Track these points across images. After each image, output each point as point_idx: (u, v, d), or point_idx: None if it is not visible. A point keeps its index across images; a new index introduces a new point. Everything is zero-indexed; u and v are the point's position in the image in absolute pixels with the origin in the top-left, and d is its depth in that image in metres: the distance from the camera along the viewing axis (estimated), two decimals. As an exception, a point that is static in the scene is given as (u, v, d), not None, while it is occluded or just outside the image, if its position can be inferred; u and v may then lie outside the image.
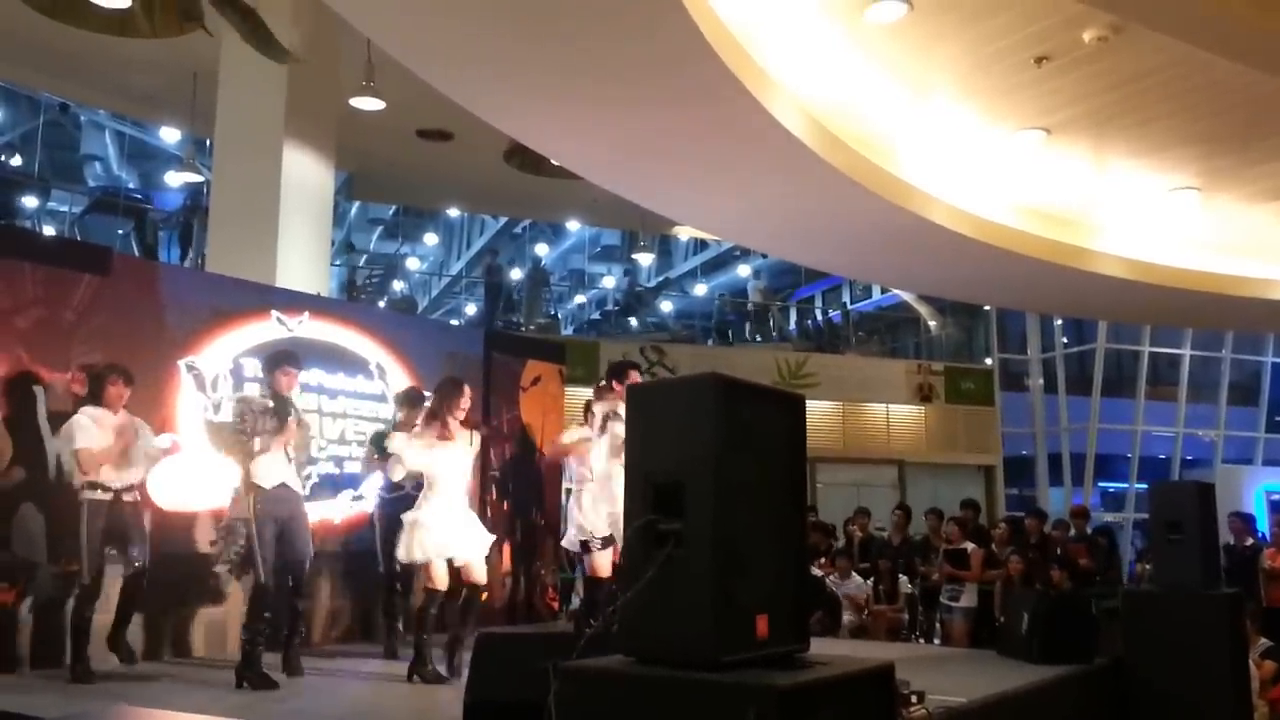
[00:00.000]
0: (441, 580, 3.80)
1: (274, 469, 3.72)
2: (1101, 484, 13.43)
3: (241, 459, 3.73)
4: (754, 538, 1.91)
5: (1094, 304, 9.12)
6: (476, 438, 4.04)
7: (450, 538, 3.80)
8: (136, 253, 9.15)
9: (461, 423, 3.94)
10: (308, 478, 4.02)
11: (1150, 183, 6.66)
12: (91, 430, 3.65)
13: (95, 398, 3.74)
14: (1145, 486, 12.33)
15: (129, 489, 3.74)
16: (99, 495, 3.65)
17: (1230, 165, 6.31)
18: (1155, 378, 13.48)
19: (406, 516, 3.85)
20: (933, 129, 5.95)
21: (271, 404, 3.80)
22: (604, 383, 4.29)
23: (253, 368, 4.68)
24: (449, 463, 3.88)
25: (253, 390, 4.61)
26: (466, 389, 4.00)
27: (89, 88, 8.70)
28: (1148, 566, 6.67)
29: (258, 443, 3.70)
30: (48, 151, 11.84)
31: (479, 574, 3.89)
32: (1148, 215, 7.21)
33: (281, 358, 3.90)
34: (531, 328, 11.11)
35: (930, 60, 5.09)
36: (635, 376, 4.17)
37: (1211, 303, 8.19)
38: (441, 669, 3.74)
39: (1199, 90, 5.24)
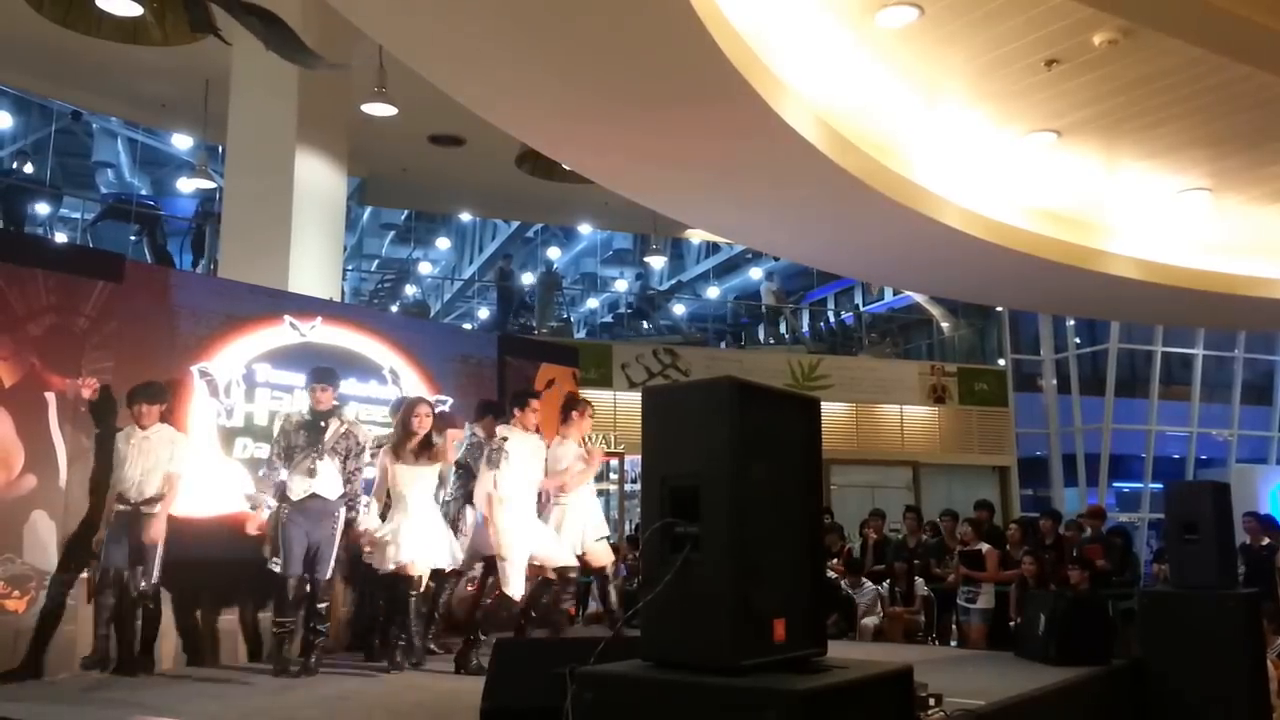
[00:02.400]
0: (420, 582, 4.09)
1: (305, 481, 3.90)
2: (1116, 484, 13.33)
3: (280, 470, 3.95)
4: (770, 541, 1.91)
5: (1106, 305, 9.07)
6: (445, 449, 4.22)
7: (420, 548, 4.04)
8: (149, 259, 9.22)
9: (421, 439, 4.10)
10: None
11: (1161, 184, 6.63)
12: (119, 452, 3.91)
13: (131, 416, 3.94)
14: (1160, 486, 12.24)
15: (149, 502, 3.84)
16: (121, 508, 3.85)
17: (1241, 166, 6.27)
18: (1168, 378, 13.38)
19: (379, 531, 4.08)
20: (944, 132, 5.94)
21: (308, 417, 4.03)
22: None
23: (265, 373, 4.71)
24: (412, 478, 4.08)
25: (264, 395, 4.66)
26: (423, 407, 4.16)
27: (101, 95, 8.77)
28: (1164, 567, 6.61)
29: (294, 456, 3.93)
30: (60, 159, 11.95)
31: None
32: (1159, 216, 7.17)
33: (316, 375, 4.12)
34: (544, 331, 11.13)
35: (941, 64, 5.08)
36: (536, 406, 4.34)
37: (1224, 303, 8.13)
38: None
39: (1209, 92, 5.21)
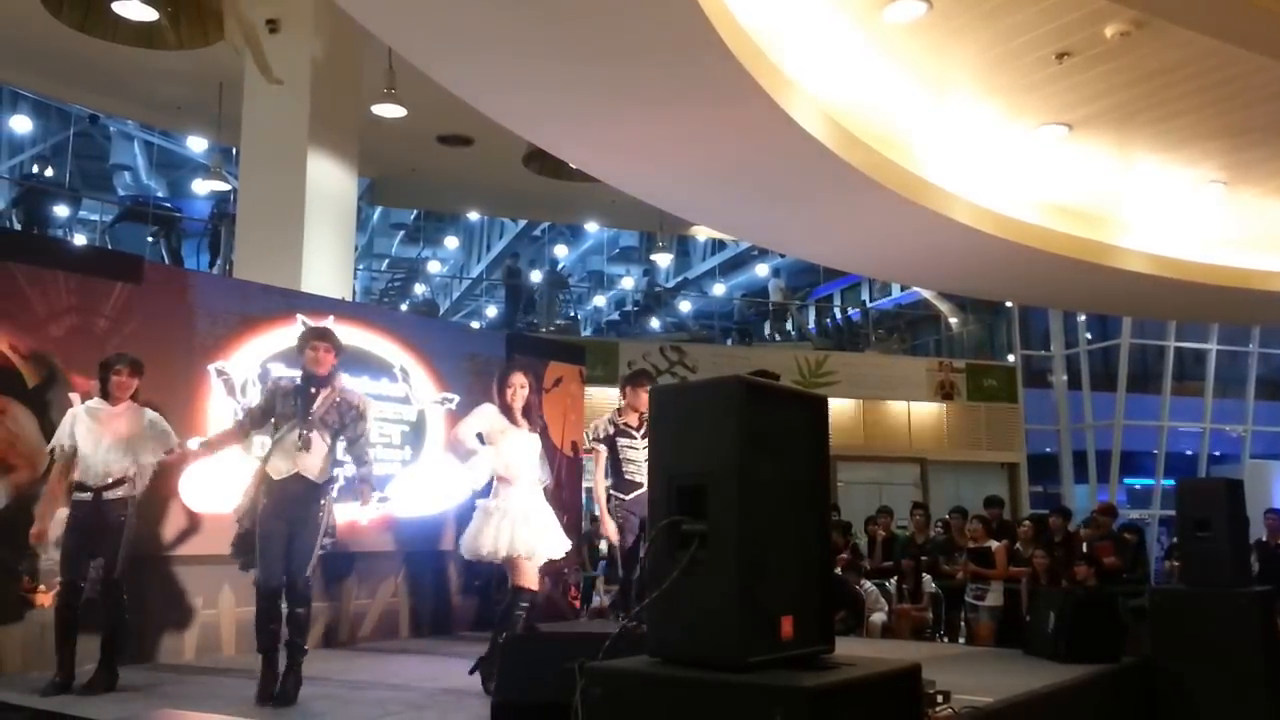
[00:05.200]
0: (534, 578, 3.52)
1: (290, 458, 3.28)
2: (1127, 481, 13.25)
3: (239, 433, 3.46)
4: (778, 539, 1.93)
5: (1118, 300, 9.00)
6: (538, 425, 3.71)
7: (532, 533, 3.53)
8: (165, 259, 9.35)
9: (521, 409, 3.63)
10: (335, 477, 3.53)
11: (1175, 177, 6.57)
12: (67, 427, 3.51)
13: (102, 389, 3.57)
14: (1172, 483, 12.15)
15: (113, 486, 3.45)
16: (80, 495, 3.44)
17: (1257, 158, 6.20)
18: (1181, 373, 13.26)
19: (486, 504, 3.56)
20: (953, 126, 5.91)
21: (299, 383, 3.41)
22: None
23: (280, 372, 4.75)
24: (517, 451, 3.60)
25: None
26: (518, 374, 3.70)
27: (118, 99, 8.90)
28: (1176, 564, 6.57)
29: (280, 428, 3.32)
30: (78, 162, 12.12)
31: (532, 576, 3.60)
32: (1172, 210, 7.11)
33: (308, 334, 3.52)
34: (551, 329, 11.17)
35: (950, 58, 5.06)
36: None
37: (1238, 297, 8.05)
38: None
39: (1224, 84, 5.16)
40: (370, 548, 4.95)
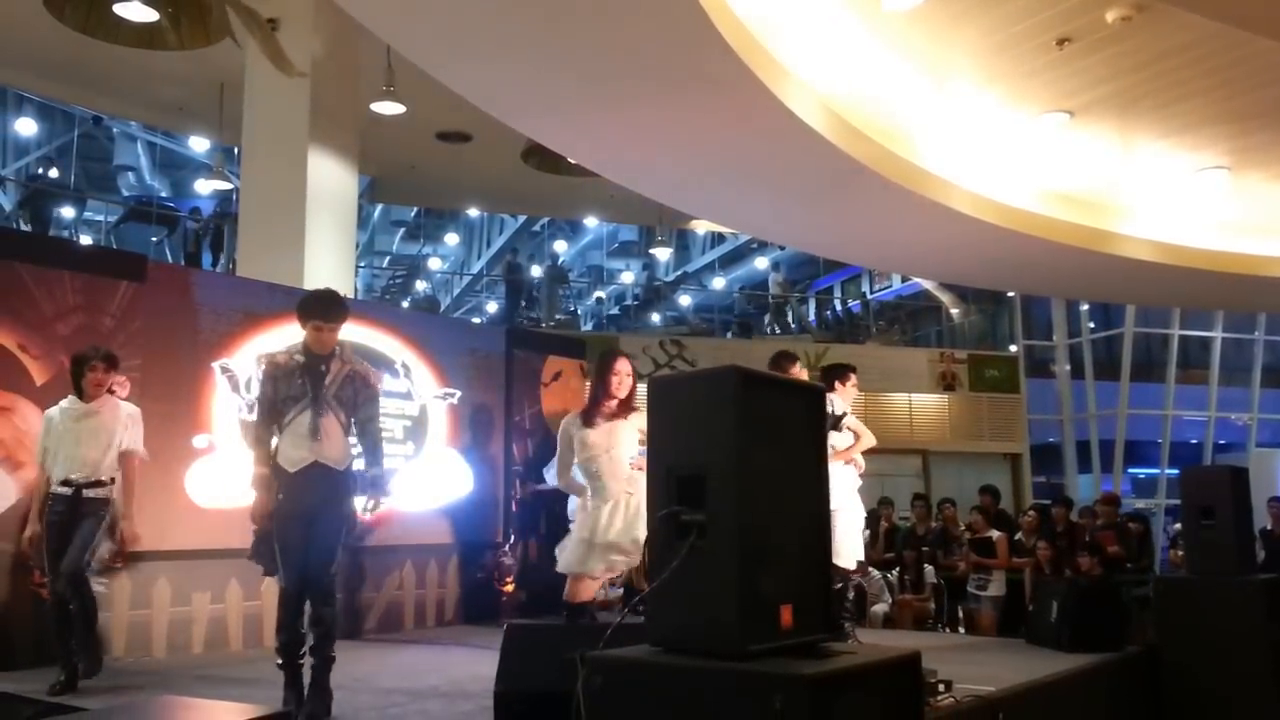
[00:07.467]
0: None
1: (302, 446, 2.89)
2: (1131, 470, 13.21)
3: (266, 434, 2.96)
4: (776, 528, 1.94)
5: (1122, 288, 8.97)
6: (638, 419, 3.29)
7: (624, 540, 3.26)
8: (170, 259, 9.39)
9: (621, 403, 3.30)
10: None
11: (1178, 163, 6.53)
12: (42, 433, 3.49)
13: (75, 385, 3.51)
14: (1176, 472, 12.11)
15: (95, 485, 3.42)
16: (61, 490, 3.40)
17: (1261, 143, 6.16)
18: (1186, 361, 13.20)
19: (578, 526, 3.29)
20: (954, 115, 5.89)
21: (301, 359, 2.96)
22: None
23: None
24: (610, 442, 3.30)
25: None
26: (622, 364, 3.35)
27: (121, 100, 8.93)
28: (1180, 553, 6.57)
29: (286, 413, 2.91)
30: (82, 163, 12.17)
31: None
32: (1176, 196, 7.07)
33: (318, 307, 2.98)
34: (551, 324, 11.19)
35: (950, 45, 5.04)
36: (855, 380, 4.07)
37: (1243, 284, 8.01)
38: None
39: (1228, 68, 5.12)
40: (374, 542, 4.98)
